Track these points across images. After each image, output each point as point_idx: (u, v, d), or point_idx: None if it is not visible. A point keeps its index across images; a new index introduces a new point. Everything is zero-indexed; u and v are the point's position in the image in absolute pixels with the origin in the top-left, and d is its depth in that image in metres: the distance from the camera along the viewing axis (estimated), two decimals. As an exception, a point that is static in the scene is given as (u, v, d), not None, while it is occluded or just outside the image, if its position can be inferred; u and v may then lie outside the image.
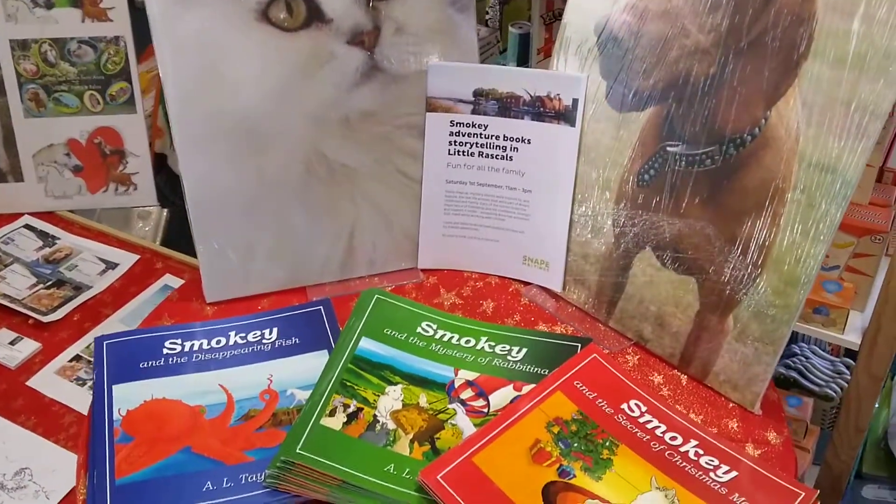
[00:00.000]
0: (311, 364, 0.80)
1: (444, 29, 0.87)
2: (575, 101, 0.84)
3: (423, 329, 0.83)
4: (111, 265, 1.26)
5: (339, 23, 0.83)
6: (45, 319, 1.14)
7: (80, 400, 1.02)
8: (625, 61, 0.79)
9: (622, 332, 0.84)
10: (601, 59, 0.81)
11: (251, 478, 0.70)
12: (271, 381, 0.79)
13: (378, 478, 0.67)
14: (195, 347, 0.82)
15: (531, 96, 0.86)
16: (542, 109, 0.85)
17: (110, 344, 0.81)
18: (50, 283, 1.21)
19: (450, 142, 0.89)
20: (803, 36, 0.68)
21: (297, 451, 0.68)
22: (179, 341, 0.82)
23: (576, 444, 0.71)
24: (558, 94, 0.84)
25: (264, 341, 0.83)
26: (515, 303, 0.89)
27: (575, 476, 0.69)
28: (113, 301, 1.21)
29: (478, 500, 0.65)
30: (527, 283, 0.91)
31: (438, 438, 0.72)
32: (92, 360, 1.01)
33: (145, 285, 1.24)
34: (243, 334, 0.84)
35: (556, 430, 0.72)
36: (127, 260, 1.28)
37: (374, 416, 0.73)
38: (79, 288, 1.21)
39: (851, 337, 1.15)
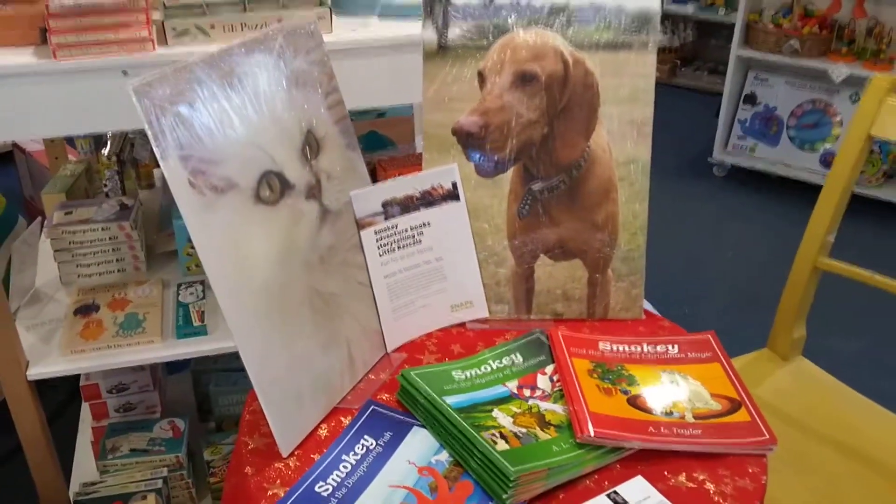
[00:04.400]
0: (421, 440, 1.00)
1: (349, 167, 1.11)
2: (454, 184, 1.17)
3: (457, 376, 1.08)
4: None
5: (298, 186, 1.01)
6: None
7: None
8: (483, 145, 1.16)
9: (542, 317, 1.22)
10: (463, 149, 1.16)
11: (485, 514, 0.90)
12: (414, 463, 0.96)
13: (559, 456, 0.95)
14: (340, 479, 0.93)
15: (420, 192, 1.16)
16: (431, 199, 1.16)
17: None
18: None
19: (378, 247, 1.13)
20: (593, 94, 1.16)
21: (514, 470, 0.91)
22: (322, 483, 0.92)
23: (610, 377, 1.08)
24: (440, 184, 1.16)
25: (370, 448, 0.98)
26: (467, 337, 1.19)
27: (630, 391, 1.06)
28: None
29: (617, 425, 0.98)
30: (462, 323, 1.21)
31: (550, 420, 1.01)
32: None
33: None
34: (354, 452, 0.97)
35: (595, 376, 1.08)
36: None
37: (511, 430, 0.98)
38: None
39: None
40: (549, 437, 0.98)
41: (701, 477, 0.96)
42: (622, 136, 1.17)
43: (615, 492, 0.93)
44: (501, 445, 0.95)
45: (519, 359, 1.13)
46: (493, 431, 0.98)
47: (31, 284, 1.67)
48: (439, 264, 1.19)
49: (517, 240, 1.20)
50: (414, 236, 1.17)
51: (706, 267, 2.95)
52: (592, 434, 0.97)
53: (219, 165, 0.91)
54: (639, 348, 1.15)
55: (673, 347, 1.15)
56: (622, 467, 0.97)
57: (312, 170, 1.04)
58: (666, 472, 0.96)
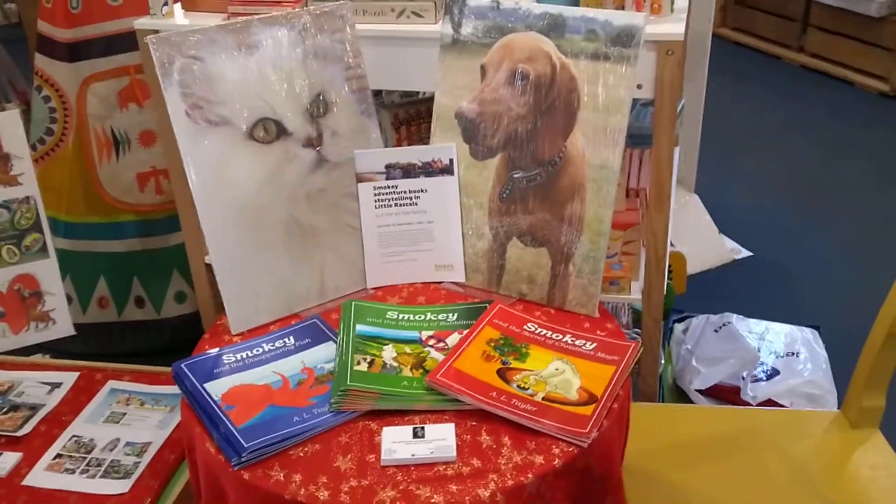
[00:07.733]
0: (324, 350, 1.23)
1: (360, 130, 1.36)
2: (451, 160, 1.35)
3: (389, 316, 1.28)
4: (55, 384, 1.52)
5: (296, 134, 1.30)
6: (18, 434, 1.39)
7: (75, 484, 1.29)
8: (477, 131, 1.32)
9: (508, 294, 1.35)
10: (462, 132, 1.34)
11: (319, 410, 1.11)
12: (304, 363, 1.20)
13: (400, 388, 1.12)
14: (245, 356, 1.21)
15: (422, 163, 1.36)
16: (430, 169, 1.36)
17: (188, 365, 1.19)
18: (5, 409, 1.45)
19: (375, 201, 1.37)
20: (575, 99, 1.25)
21: (348, 383, 1.10)
22: (233, 355, 1.22)
23: (506, 349, 1.19)
24: (439, 158, 1.36)
25: (287, 345, 1.24)
26: (438, 294, 1.37)
27: (510, 364, 1.17)
28: (70, 410, 1.46)
29: (463, 382, 1.11)
30: (441, 282, 1.39)
31: (425, 364, 1.17)
32: (72, 455, 1.36)
33: (93, 392, 1.51)
34: (272, 344, 1.24)
35: (492, 344, 1.20)
36: (68, 378, 1.54)
37: (384, 361, 1.17)
38: (34, 407, 1.46)
39: (636, 296, 1.71)
40: (412, 376, 1.15)
41: (505, 439, 1.05)
42: (595, 142, 1.24)
43: (422, 427, 1.08)
44: (362, 367, 1.15)
45: (453, 318, 1.28)
46: (367, 356, 1.17)
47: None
48: (430, 227, 1.38)
49: (495, 219, 1.34)
50: (412, 199, 1.37)
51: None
52: (435, 380, 1.11)
53: (217, 105, 1.24)
54: (559, 336, 1.23)
55: (590, 344, 1.21)
56: (455, 417, 1.10)
57: (317, 125, 1.31)
58: (483, 432, 1.07)
